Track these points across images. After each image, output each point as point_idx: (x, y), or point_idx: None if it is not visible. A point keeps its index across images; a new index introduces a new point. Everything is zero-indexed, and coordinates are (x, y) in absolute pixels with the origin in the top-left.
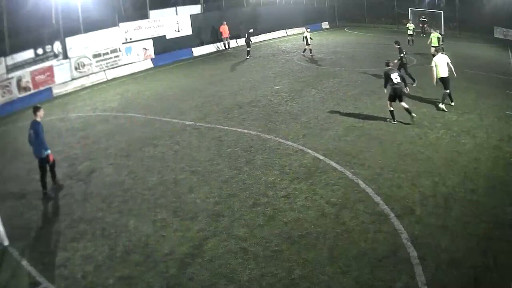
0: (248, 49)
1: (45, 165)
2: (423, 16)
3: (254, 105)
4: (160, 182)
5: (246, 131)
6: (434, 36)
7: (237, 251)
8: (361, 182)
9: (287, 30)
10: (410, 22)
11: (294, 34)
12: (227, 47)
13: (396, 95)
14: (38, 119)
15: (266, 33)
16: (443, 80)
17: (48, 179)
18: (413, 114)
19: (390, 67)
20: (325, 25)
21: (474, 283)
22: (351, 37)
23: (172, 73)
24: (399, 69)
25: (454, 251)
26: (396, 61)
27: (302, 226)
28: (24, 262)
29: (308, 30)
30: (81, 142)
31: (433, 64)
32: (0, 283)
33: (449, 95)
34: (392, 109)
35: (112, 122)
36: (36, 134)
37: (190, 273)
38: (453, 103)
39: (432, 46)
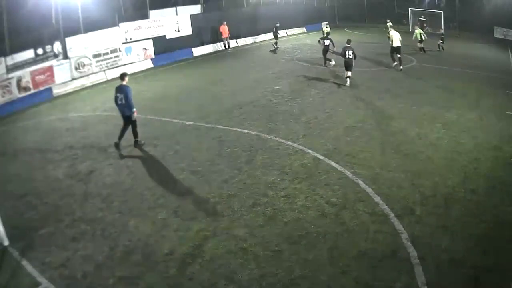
0: (276, 40)
1: (130, 120)
2: (422, 16)
3: (254, 105)
4: (160, 182)
5: (246, 131)
6: (418, 33)
7: (237, 251)
8: (361, 182)
9: (287, 30)
10: (388, 21)
11: (294, 34)
12: (227, 47)
13: (346, 65)
14: (125, 83)
15: (266, 33)
16: (396, 49)
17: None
18: (348, 82)
19: (348, 45)
20: (325, 25)
21: (474, 283)
22: (351, 37)
23: (172, 73)
24: (323, 53)
25: (454, 251)
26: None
27: (302, 226)
28: (24, 262)
29: (327, 26)
30: (81, 142)
31: (390, 35)
32: (0, 283)
33: (400, 60)
34: (346, 76)
35: (112, 122)
36: (126, 95)
37: (190, 273)
38: (401, 68)
39: (418, 41)
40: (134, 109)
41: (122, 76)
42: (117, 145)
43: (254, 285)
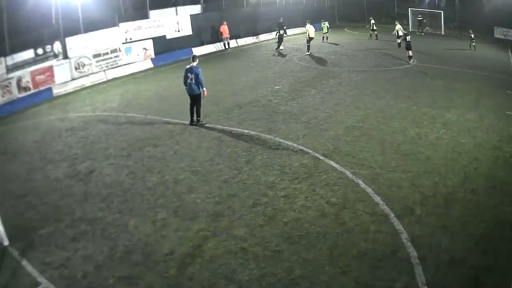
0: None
1: (198, 98)
2: (419, 16)
3: (254, 105)
4: (160, 182)
5: (246, 131)
6: (397, 28)
7: (237, 251)
8: (361, 182)
9: (286, 30)
10: (371, 18)
11: (294, 34)
12: (227, 47)
13: (407, 47)
14: (195, 64)
15: (266, 33)
16: (311, 38)
17: None
18: (411, 61)
19: (407, 33)
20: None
21: (474, 283)
22: (351, 37)
23: (172, 73)
24: (278, 42)
25: (454, 251)
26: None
27: (302, 226)
28: (24, 262)
29: (324, 22)
30: (81, 142)
31: (306, 29)
32: (0, 283)
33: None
34: (409, 55)
35: (112, 122)
36: (197, 75)
37: (190, 273)
38: (308, 52)
39: (397, 37)
40: (205, 88)
41: (194, 57)
42: (193, 123)
43: (254, 285)
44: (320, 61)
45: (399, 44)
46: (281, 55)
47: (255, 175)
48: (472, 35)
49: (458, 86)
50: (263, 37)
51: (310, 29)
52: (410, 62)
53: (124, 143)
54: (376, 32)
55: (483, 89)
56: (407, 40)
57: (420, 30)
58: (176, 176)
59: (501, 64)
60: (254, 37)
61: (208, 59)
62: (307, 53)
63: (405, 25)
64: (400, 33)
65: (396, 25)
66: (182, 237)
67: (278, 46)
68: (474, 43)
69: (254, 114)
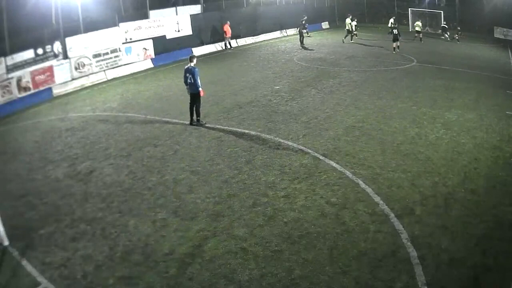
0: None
1: (197, 98)
2: (445, 22)
3: (254, 105)
4: (160, 182)
5: (246, 131)
6: (416, 25)
7: (237, 251)
8: (361, 182)
9: (287, 30)
10: (350, 16)
11: (294, 34)
12: (228, 47)
13: (394, 38)
14: (193, 64)
15: (266, 33)
16: (349, 30)
17: None
18: (397, 50)
19: (394, 27)
20: (325, 25)
21: (474, 283)
22: (351, 37)
23: (172, 73)
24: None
25: (454, 251)
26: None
27: (302, 226)
28: (24, 262)
29: (350, 17)
30: (81, 142)
31: (347, 22)
32: (0, 283)
33: (351, 36)
34: (394, 46)
35: (112, 122)
36: (193, 75)
37: (190, 273)
38: (352, 41)
39: (417, 32)
40: (200, 88)
41: (191, 58)
42: (193, 123)
43: (254, 285)
44: (320, 61)
45: (420, 38)
46: (305, 48)
47: (255, 175)
48: (459, 28)
49: (458, 86)
50: (263, 37)
51: (348, 22)
52: (394, 53)
53: (124, 143)
54: (354, 34)
55: (483, 89)
56: (394, 33)
57: (446, 36)
58: (176, 176)
59: (501, 64)
60: (278, 32)
61: (208, 59)
62: (343, 39)
63: (405, 25)
64: (418, 29)
65: (416, 22)
66: (182, 237)
67: (301, 41)
68: (458, 37)
69: (254, 114)
